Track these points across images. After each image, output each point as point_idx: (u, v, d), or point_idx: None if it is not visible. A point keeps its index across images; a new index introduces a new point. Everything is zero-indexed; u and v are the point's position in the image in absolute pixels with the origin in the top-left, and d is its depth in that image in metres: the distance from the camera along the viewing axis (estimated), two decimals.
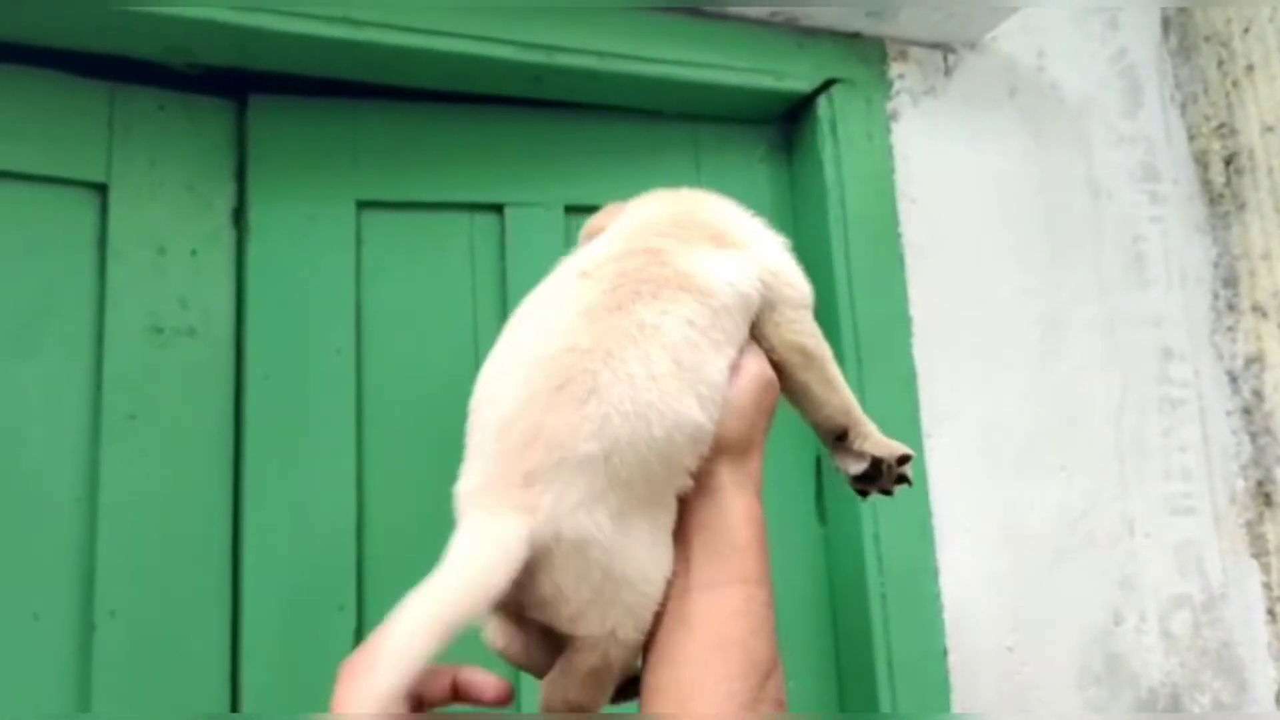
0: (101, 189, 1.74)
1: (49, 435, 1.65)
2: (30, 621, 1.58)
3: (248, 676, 1.68)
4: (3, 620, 1.56)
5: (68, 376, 1.67)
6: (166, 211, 1.77)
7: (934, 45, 2.14)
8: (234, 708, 1.67)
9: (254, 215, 1.82)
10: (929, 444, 1.95)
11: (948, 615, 1.90)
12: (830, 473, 1.98)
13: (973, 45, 2.17)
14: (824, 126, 2.02)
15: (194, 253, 1.78)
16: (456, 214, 1.93)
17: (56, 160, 1.71)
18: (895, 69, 2.10)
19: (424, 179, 1.92)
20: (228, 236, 1.82)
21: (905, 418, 1.95)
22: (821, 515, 1.99)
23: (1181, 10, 2.44)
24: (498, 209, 1.94)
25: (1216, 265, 2.33)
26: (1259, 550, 2.21)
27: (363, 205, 1.89)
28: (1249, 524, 2.22)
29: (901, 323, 1.99)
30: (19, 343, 1.65)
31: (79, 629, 1.61)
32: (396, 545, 1.78)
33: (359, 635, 1.74)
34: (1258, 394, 2.24)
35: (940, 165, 2.09)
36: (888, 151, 2.06)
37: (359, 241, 1.88)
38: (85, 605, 1.61)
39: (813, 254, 2.03)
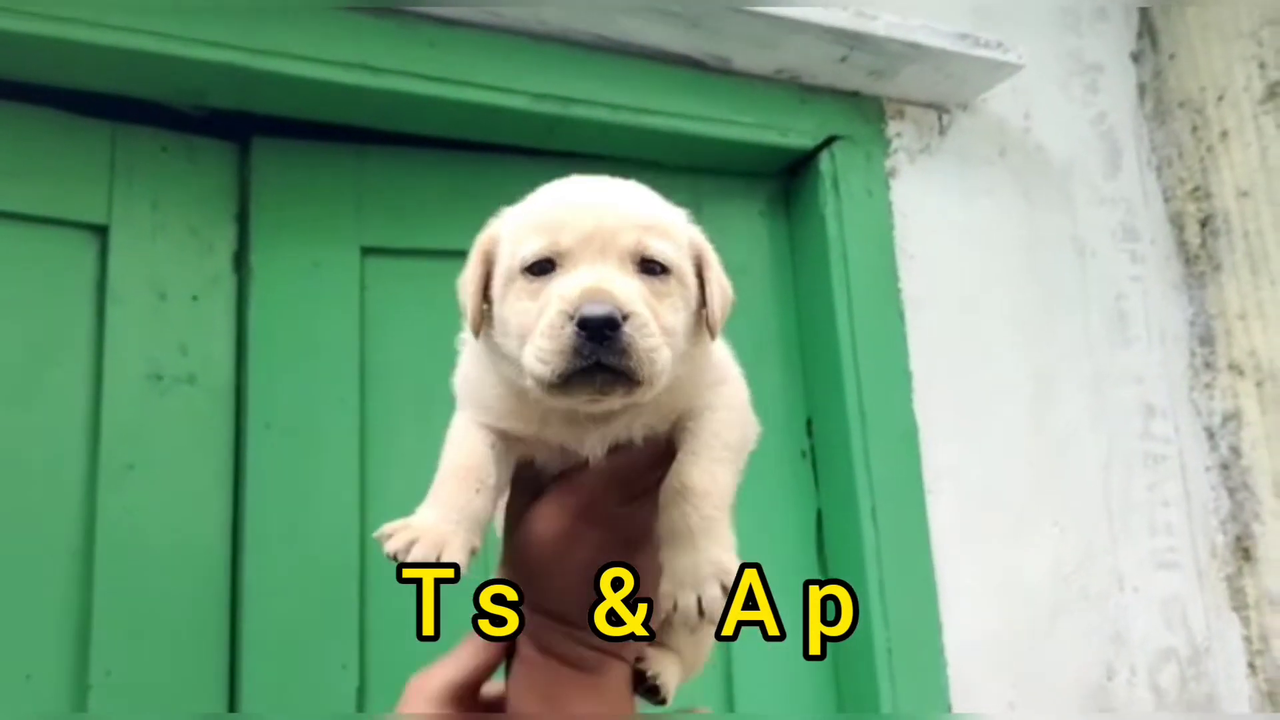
0: (102, 231, 1.69)
1: (45, 485, 1.59)
2: (22, 683, 1.51)
3: None
4: None
5: (65, 424, 1.62)
6: (167, 254, 1.73)
7: (929, 105, 2.18)
8: None
9: (256, 260, 1.78)
10: (931, 500, 1.97)
11: (950, 670, 1.90)
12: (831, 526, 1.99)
13: (965, 106, 2.22)
14: (826, 182, 2.05)
15: (195, 298, 1.74)
16: (461, 262, 1.91)
17: (56, 201, 1.66)
18: (893, 127, 2.14)
19: (429, 226, 1.90)
20: (229, 281, 1.78)
21: (909, 474, 1.96)
22: (823, 566, 1.99)
23: (1156, 75, 2.52)
24: None
25: (1193, 324, 2.39)
26: (1239, 604, 2.25)
27: (367, 251, 1.86)
28: (1229, 578, 2.27)
29: (903, 378, 2.01)
30: (16, 390, 1.59)
31: (74, 690, 1.54)
32: (403, 603, 1.74)
33: (361, 694, 1.69)
34: (1235, 450, 2.30)
35: (936, 222, 2.13)
36: (887, 208, 2.09)
37: (363, 288, 1.85)
38: (80, 664, 1.55)
39: (815, 308, 2.05)
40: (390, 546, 0.88)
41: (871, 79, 2.08)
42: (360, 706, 1.69)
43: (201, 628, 1.64)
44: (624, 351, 0.85)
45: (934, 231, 2.13)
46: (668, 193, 2.13)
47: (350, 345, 1.81)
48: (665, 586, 0.91)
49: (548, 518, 0.96)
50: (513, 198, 1.93)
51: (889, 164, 2.12)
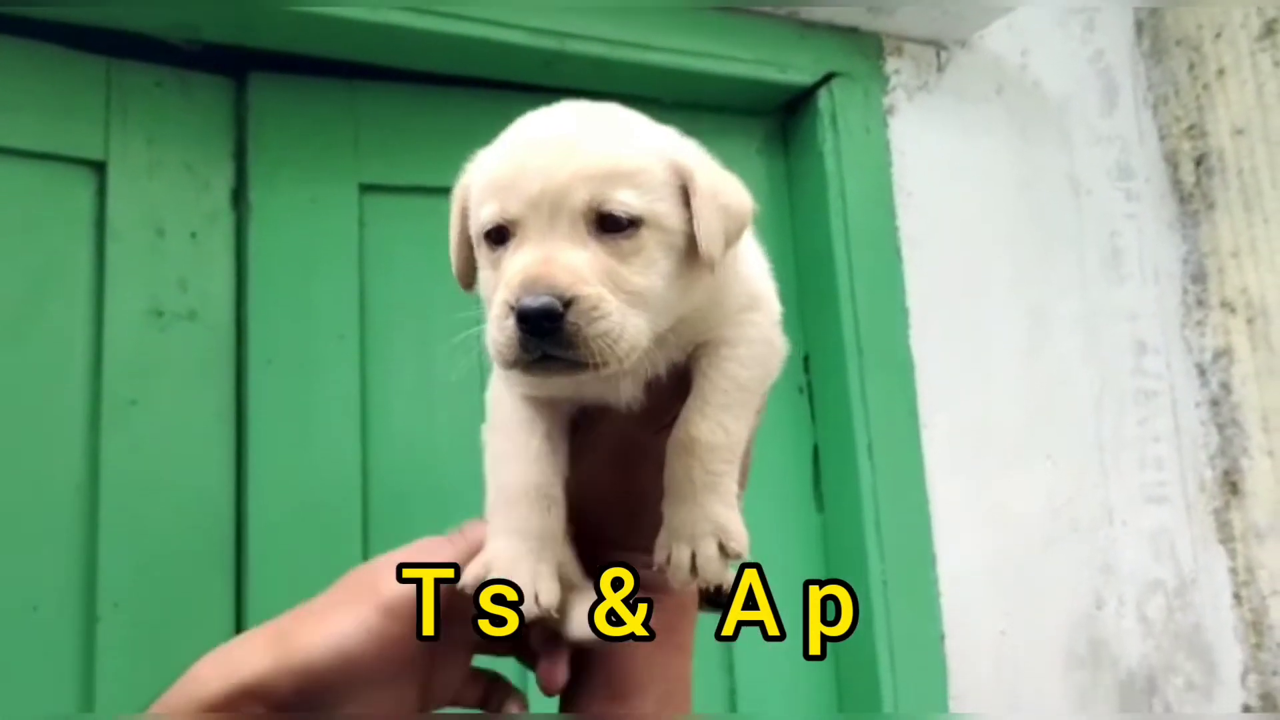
0: (99, 167, 1.68)
1: (48, 422, 1.59)
2: (29, 613, 1.53)
3: None
4: (2, 613, 1.51)
5: (67, 360, 1.62)
6: (165, 191, 1.72)
7: (928, 42, 2.18)
8: None
9: (254, 196, 1.78)
10: (926, 434, 1.99)
11: (944, 600, 1.94)
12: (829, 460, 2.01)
13: (963, 43, 2.22)
14: (824, 119, 2.04)
15: (194, 235, 1.74)
16: None
17: (53, 136, 1.65)
18: (891, 64, 2.13)
19: (426, 163, 1.89)
20: (227, 218, 1.77)
21: (904, 409, 1.99)
22: (819, 502, 2.02)
23: (1153, 13, 2.51)
24: None
25: (1186, 262, 2.41)
26: (1226, 537, 2.29)
27: (365, 188, 1.86)
28: (1216, 512, 2.31)
29: (899, 314, 2.03)
30: (17, 326, 1.59)
31: (82, 621, 1.56)
32: (402, 533, 1.76)
33: None
34: (1225, 386, 2.32)
35: (933, 159, 2.13)
36: (885, 145, 2.09)
37: (361, 225, 1.85)
38: (88, 597, 1.57)
39: (812, 245, 2.06)
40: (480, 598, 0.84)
41: (870, 15, 2.07)
42: None
43: (207, 560, 1.66)
44: (568, 342, 0.79)
45: (931, 169, 2.13)
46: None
47: (349, 281, 1.81)
48: (661, 538, 0.89)
49: (588, 459, 0.94)
50: None
51: (887, 101, 2.12)
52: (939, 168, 2.14)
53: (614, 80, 1.93)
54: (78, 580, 1.57)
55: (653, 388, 0.92)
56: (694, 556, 0.87)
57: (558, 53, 1.83)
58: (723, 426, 0.90)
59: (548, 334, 0.79)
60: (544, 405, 0.94)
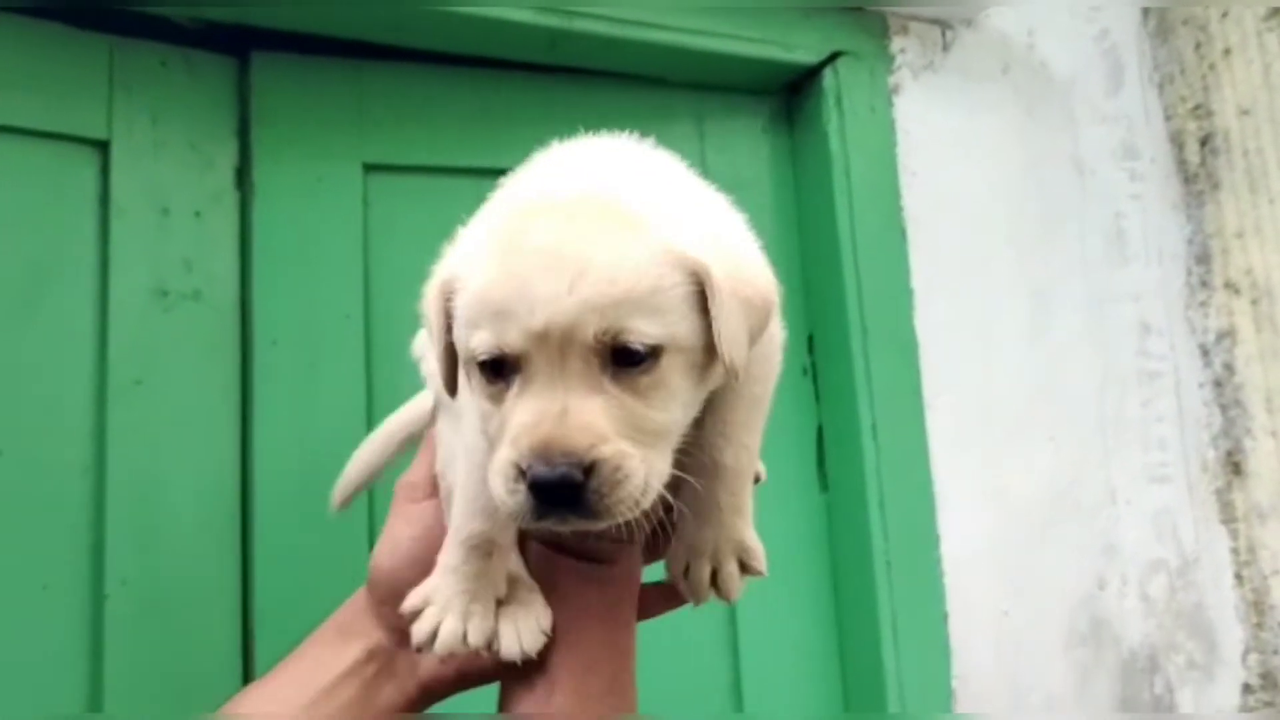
0: (103, 146, 1.68)
1: (54, 402, 1.60)
2: (39, 591, 1.54)
3: (260, 644, 1.66)
4: (12, 591, 1.52)
5: (72, 340, 1.62)
6: (169, 170, 1.72)
7: (933, 21, 2.17)
8: (246, 675, 1.65)
9: (258, 176, 1.78)
10: (930, 414, 2.00)
11: (947, 581, 1.95)
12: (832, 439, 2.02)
13: (969, 22, 2.21)
14: (829, 98, 2.04)
15: (198, 214, 1.74)
16: (464, 178, 1.91)
17: (57, 115, 1.65)
18: (897, 43, 2.12)
19: (430, 143, 1.89)
20: (231, 197, 1.77)
21: (908, 390, 1.99)
22: (823, 482, 2.03)
23: None
24: (505, 174, 1.91)
25: (1190, 242, 2.41)
26: (1228, 517, 2.30)
27: (369, 168, 1.85)
28: (1219, 492, 2.31)
29: (904, 294, 2.03)
30: (21, 305, 1.59)
31: (90, 598, 1.57)
32: None
33: None
34: (1228, 367, 2.32)
35: (938, 139, 2.13)
36: (890, 125, 2.08)
37: (366, 205, 1.84)
38: (96, 575, 1.57)
39: (817, 225, 2.06)
40: (417, 638, 0.89)
41: None
42: None
43: (213, 539, 1.67)
44: (590, 511, 0.73)
45: (936, 149, 2.13)
46: (670, 109, 2.12)
47: (354, 261, 1.81)
48: (676, 551, 0.90)
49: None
50: (514, 114, 1.93)
51: (892, 80, 2.11)
52: (944, 147, 2.13)
53: (619, 60, 1.93)
54: (86, 558, 1.58)
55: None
56: (714, 573, 0.89)
57: (563, 31, 1.82)
58: (746, 449, 0.89)
59: (565, 501, 0.73)
60: None
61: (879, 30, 2.11)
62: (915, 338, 2.01)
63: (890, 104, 2.09)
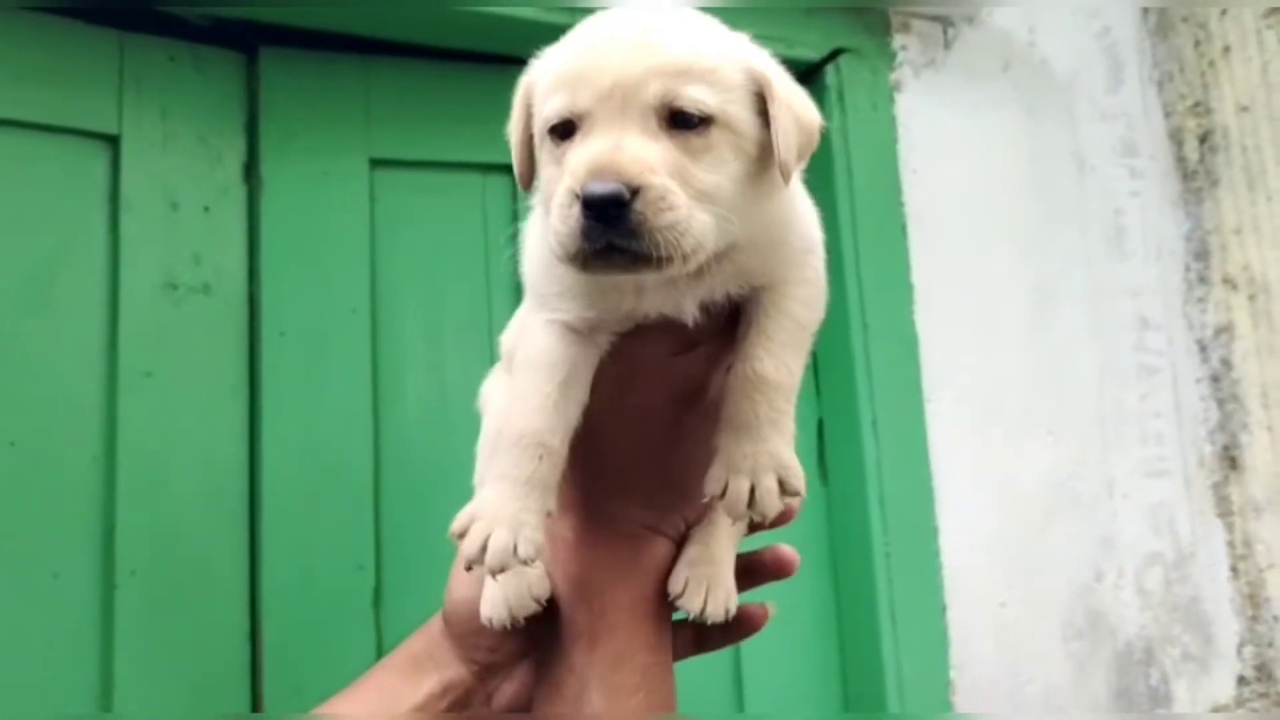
0: (113, 140, 1.70)
1: (65, 393, 1.62)
2: (50, 580, 1.56)
3: (268, 634, 1.68)
4: (23, 579, 1.54)
5: (83, 332, 1.64)
6: (178, 165, 1.74)
7: (934, 18, 2.18)
8: (254, 664, 1.67)
9: (266, 170, 1.80)
10: (930, 408, 2.02)
11: (946, 573, 1.97)
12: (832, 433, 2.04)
13: (971, 20, 2.22)
14: (831, 95, 2.06)
15: (207, 208, 1.76)
16: (469, 174, 1.93)
17: (68, 110, 1.67)
18: (898, 40, 2.14)
19: (437, 138, 1.91)
20: (239, 192, 1.79)
21: (908, 383, 2.01)
22: (824, 474, 2.05)
23: None
24: (510, 170, 1.93)
25: (1189, 239, 2.42)
26: (1224, 511, 2.32)
27: (376, 163, 1.87)
28: (1215, 486, 2.33)
29: (904, 290, 2.05)
30: (32, 297, 1.61)
31: (101, 588, 1.59)
32: (414, 504, 1.79)
33: (377, 594, 1.75)
34: (1226, 363, 2.35)
35: (940, 136, 2.15)
36: (891, 122, 2.10)
37: (372, 200, 1.86)
38: (106, 564, 1.60)
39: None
40: (466, 551, 0.85)
41: None
42: (376, 606, 1.75)
43: (221, 529, 1.69)
44: (633, 232, 0.77)
45: (937, 145, 2.15)
46: None
47: (361, 255, 1.83)
48: (717, 470, 0.89)
49: (607, 373, 0.94)
50: None
51: (894, 78, 2.13)
52: (945, 144, 2.15)
53: None
54: (96, 548, 1.60)
55: (708, 310, 0.91)
56: (752, 490, 0.87)
57: (569, 27, 1.82)
58: (786, 365, 0.91)
59: (613, 222, 0.77)
60: (578, 341, 0.93)
61: (881, 27, 2.13)
62: (915, 332, 2.04)
63: (892, 101, 2.11)
